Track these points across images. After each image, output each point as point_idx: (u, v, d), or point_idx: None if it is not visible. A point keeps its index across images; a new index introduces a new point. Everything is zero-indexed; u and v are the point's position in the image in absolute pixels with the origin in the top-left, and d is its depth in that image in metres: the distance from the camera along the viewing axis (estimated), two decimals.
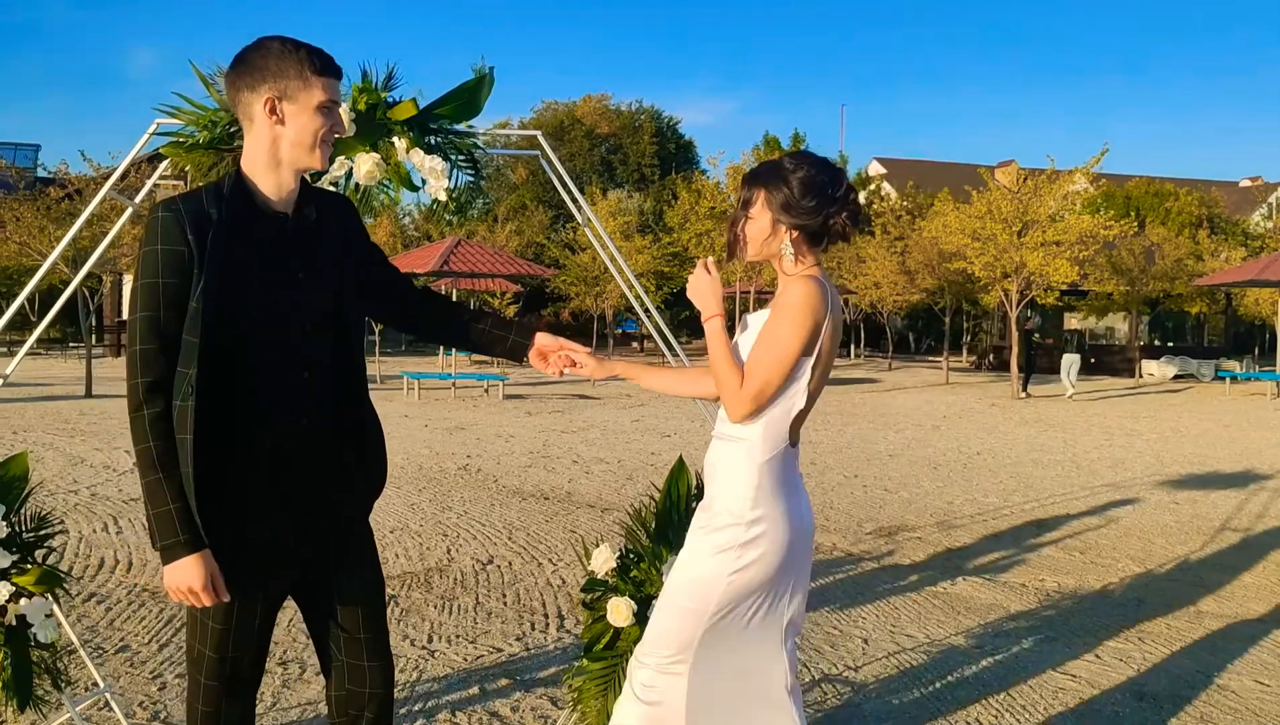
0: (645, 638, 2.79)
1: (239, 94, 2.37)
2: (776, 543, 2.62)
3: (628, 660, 3.29)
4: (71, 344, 32.46)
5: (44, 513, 3.33)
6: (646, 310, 3.84)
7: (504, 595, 5.90)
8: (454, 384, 20.13)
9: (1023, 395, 21.87)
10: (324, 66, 2.36)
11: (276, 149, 2.36)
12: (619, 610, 3.23)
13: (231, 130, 3.34)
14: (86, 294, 19.57)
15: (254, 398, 2.33)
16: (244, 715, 2.56)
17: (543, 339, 2.86)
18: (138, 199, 3.73)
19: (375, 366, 23.83)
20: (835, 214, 2.67)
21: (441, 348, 21.62)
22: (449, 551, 6.97)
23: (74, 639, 3.61)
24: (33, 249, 17.74)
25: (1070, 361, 22.32)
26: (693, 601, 2.67)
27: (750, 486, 2.63)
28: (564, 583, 6.25)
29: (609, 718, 3.27)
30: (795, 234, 2.66)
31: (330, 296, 2.44)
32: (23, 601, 3.15)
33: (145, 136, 3.45)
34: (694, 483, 3.44)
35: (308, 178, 2.55)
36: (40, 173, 32.99)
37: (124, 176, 19.88)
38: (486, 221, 40.37)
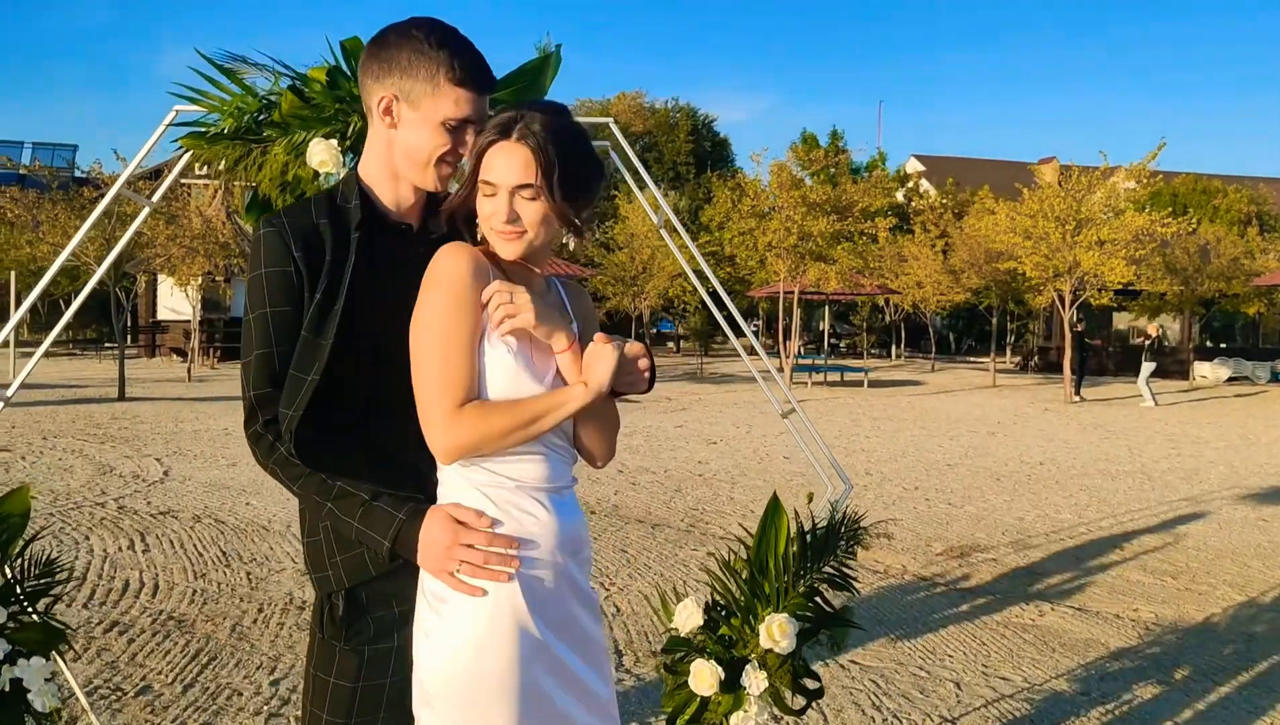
0: None
1: (364, 80, 2.00)
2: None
3: None
4: (107, 344, 32.38)
5: (51, 555, 2.90)
6: (721, 304, 3.37)
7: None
8: None
9: (1076, 399, 21.18)
10: (464, 76, 1.92)
11: (390, 155, 1.99)
12: (701, 675, 2.76)
13: (260, 118, 2.91)
14: (120, 294, 19.33)
15: (367, 451, 1.93)
16: None
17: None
18: (155, 196, 3.30)
19: None
20: None
21: None
22: None
23: (81, 698, 3.18)
24: (65, 249, 17.54)
25: (1148, 369, 21.23)
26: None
27: None
28: (618, 610, 5.80)
29: None
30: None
31: None
32: (20, 662, 2.72)
33: (162, 126, 3.02)
34: (792, 525, 2.96)
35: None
36: (77, 173, 32.98)
37: (156, 175, 19.66)
38: None
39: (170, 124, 3.02)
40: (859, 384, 24.49)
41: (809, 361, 29.66)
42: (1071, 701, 4.55)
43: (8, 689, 2.71)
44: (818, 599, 2.94)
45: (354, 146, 2.90)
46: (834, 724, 4.23)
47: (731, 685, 2.80)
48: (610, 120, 3.15)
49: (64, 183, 22.28)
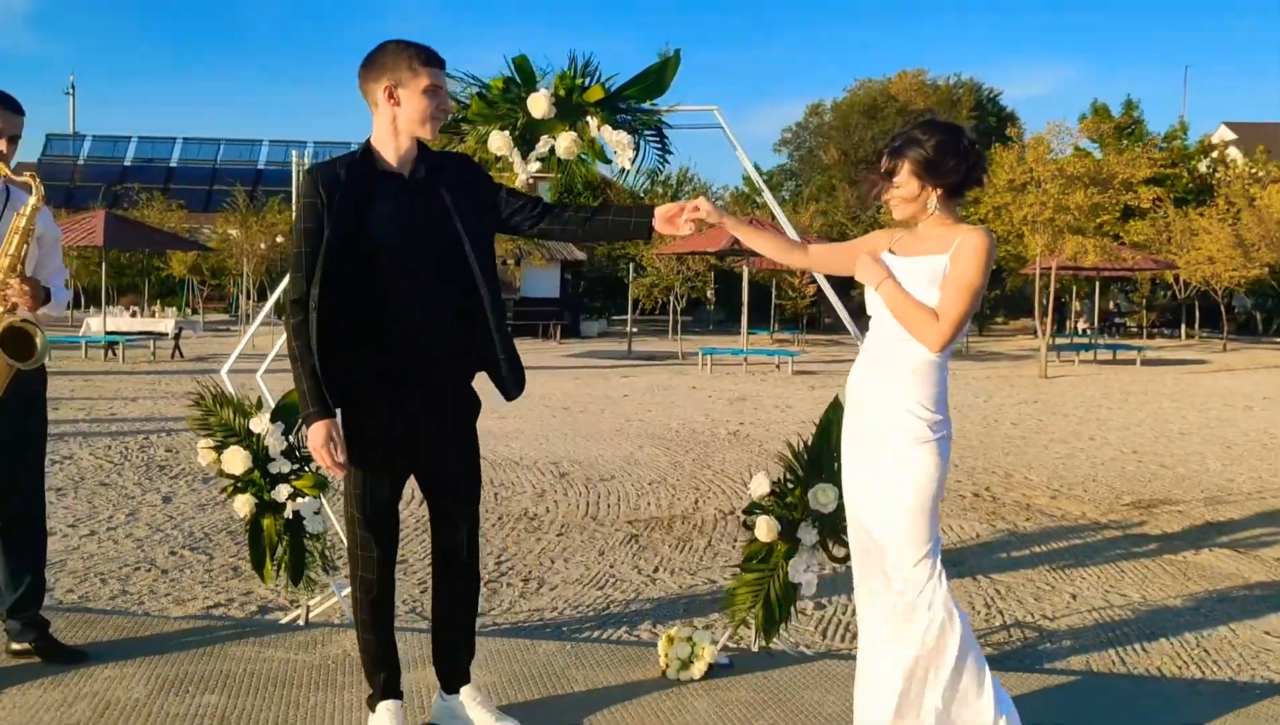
0: (891, 549, 2.99)
1: (366, 85, 2.99)
2: (952, 435, 3.05)
3: (778, 574, 3.71)
4: None
5: None
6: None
7: (735, 541, 6.35)
8: (745, 359, 20.64)
9: None
10: (429, 59, 2.97)
11: (395, 124, 2.99)
12: (764, 527, 3.64)
13: (458, 117, 3.99)
14: None
15: (384, 321, 2.96)
16: (382, 562, 3.10)
17: (662, 209, 3.23)
18: None
19: (678, 344, 24.95)
20: (969, 169, 3.00)
21: (744, 327, 22.21)
22: (696, 502, 7.53)
23: (343, 534, 4.44)
24: None
25: None
26: (930, 498, 2.99)
27: (939, 391, 3.00)
28: None
29: (764, 625, 3.70)
30: (940, 192, 2.99)
31: (448, 238, 3.01)
32: (299, 500, 3.98)
33: None
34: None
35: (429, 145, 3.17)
36: None
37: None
38: (791, 202, 40.70)
39: None
40: (1131, 362, 23.63)
41: (1085, 341, 28.71)
42: (1176, 613, 5.03)
43: (291, 517, 3.98)
44: None
45: (521, 136, 3.98)
46: None
47: (787, 537, 3.67)
48: (716, 108, 4.01)
49: None
